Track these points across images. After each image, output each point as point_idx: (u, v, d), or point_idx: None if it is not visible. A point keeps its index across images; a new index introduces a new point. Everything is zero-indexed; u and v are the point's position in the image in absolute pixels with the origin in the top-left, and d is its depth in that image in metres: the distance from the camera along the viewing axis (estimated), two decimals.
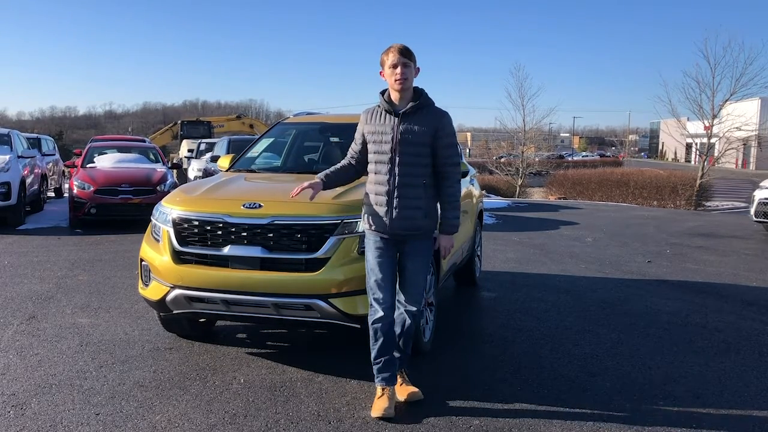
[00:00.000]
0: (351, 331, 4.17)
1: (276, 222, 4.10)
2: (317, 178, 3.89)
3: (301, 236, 4.09)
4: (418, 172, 3.70)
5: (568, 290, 6.94)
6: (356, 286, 4.01)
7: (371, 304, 3.73)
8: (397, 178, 3.66)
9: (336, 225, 4.09)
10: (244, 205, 4.21)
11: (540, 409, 3.77)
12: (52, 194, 17.20)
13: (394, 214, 3.65)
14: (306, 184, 3.82)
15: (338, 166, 3.99)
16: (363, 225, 3.84)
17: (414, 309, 3.79)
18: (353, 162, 3.95)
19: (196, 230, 4.27)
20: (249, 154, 5.93)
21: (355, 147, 3.92)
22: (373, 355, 3.74)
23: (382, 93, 3.82)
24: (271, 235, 4.10)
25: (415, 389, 3.83)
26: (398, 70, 3.66)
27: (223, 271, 4.15)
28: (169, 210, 4.43)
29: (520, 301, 6.39)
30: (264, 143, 6.20)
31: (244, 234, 4.14)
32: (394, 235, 3.70)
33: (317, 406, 3.75)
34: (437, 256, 4.44)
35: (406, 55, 3.68)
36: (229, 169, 5.68)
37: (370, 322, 3.72)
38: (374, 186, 3.74)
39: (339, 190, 4.43)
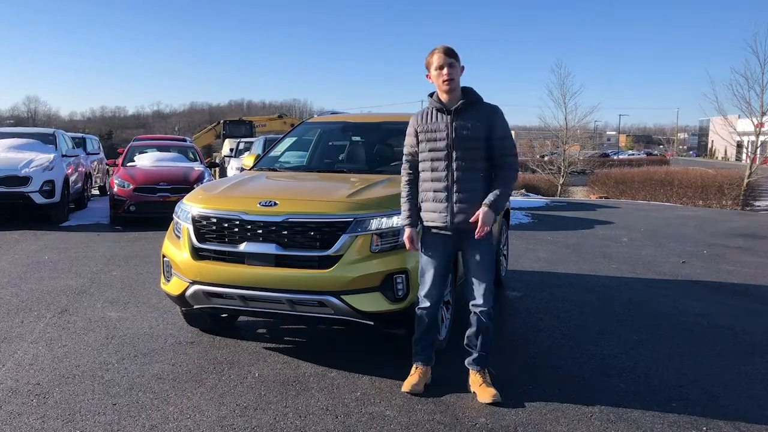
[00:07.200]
0: (368, 328, 4.22)
1: (290, 219, 4.17)
2: (409, 226, 3.90)
3: (315, 234, 4.16)
4: (476, 166, 3.80)
5: (594, 290, 6.85)
6: (368, 283, 4.07)
7: (420, 297, 3.91)
8: (454, 173, 3.78)
9: (348, 223, 4.14)
10: (260, 203, 4.30)
11: (548, 408, 3.75)
12: (97, 192, 17.72)
13: (454, 208, 3.77)
14: (409, 242, 3.89)
15: (409, 187, 3.96)
16: (422, 222, 3.94)
17: (486, 309, 3.87)
18: (412, 169, 3.97)
19: (214, 227, 4.38)
20: (273, 153, 6.03)
21: (410, 150, 3.99)
22: (415, 336, 3.96)
23: (431, 95, 3.93)
24: (285, 232, 4.18)
25: (495, 391, 3.83)
26: (444, 71, 3.78)
27: (239, 267, 4.24)
28: (189, 207, 4.56)
29: (545, 301, 6.35)
30: (288, 142, 6.31)
31: (260, 231, 4.22)
32: (455, 231, 3.81)
33: (327, 401, 3.81)
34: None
35: (450, 55, 3.80)
36: (252, 167, 5.79)
37: (417, 308, 3.94)
38: (431, 183, 3.85)
39: (353, 188, 4.50)
